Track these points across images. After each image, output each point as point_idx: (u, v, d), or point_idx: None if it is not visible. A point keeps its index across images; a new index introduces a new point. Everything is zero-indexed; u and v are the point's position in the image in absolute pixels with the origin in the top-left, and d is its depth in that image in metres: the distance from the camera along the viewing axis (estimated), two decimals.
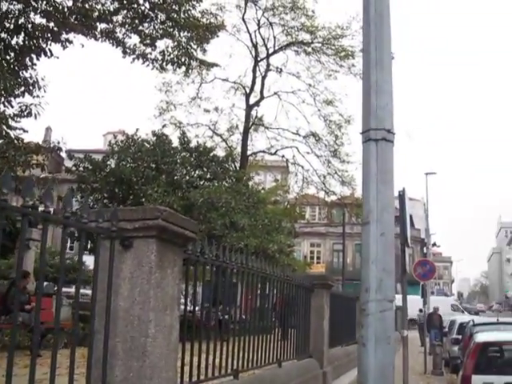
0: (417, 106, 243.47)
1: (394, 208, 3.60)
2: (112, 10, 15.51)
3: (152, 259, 3.70)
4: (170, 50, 17.33)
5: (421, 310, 26.29)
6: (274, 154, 29.80)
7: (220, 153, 24.03)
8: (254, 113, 28.97)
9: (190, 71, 24.35)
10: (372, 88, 3.72)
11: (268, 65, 29.29)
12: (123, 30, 16.31)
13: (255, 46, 28.93)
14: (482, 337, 8.41)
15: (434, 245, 67.46)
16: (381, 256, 3.35)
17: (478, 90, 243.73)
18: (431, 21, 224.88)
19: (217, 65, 26.42)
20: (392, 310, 3.38)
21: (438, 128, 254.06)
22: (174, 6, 16.07)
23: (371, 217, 3.41)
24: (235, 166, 23.58)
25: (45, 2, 13.31)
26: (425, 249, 55.50)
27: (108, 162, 18.49)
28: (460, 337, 16.62)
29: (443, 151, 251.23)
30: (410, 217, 51.75)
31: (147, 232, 3.70)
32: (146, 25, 16.42)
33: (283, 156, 30.07)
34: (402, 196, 7.46)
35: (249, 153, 28.82)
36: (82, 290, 3.74)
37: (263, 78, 29.25)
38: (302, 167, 29.43)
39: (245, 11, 27.98)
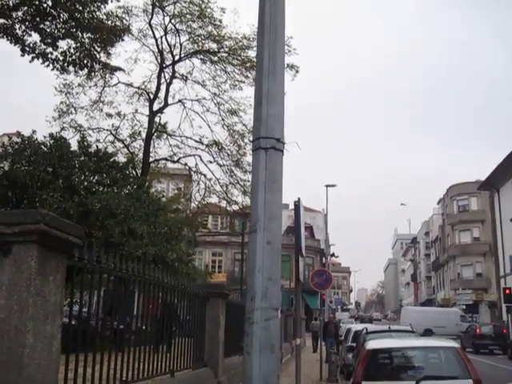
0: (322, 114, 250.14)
1: (281, 217, 3.62)
2: (11, 4, 14.94)
3: (32, 265, 3.53)
4: (72, 50, 16.88)
5: (316, 319, 26.84)
6: (177, 161, 29.52)
7: (121, 159, 23.56)
8: (157, 119, 28.62)
9: (92, 74, 23.79)
10: (264, 97, 3.75)
11: (173, 72, 29.04)
12: (23, 27, 15.75)
13: (161, 52, 28.63)
14: (372, 344, 8.63)
15: (333, 255, 69.30)
16: (267, 264, 3.36)
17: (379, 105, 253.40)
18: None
19: (121, 69, 25.96)
20: (277, 318, 3.40)
21: (343, 138, 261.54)
22: (77, 6, 15.68)
23: (258, 225, 3.42)
24: (136, 173, 23.14)
25: None
26: (324, 259, 56.93)
27: (1, 165, 17.68)
28: (354, 344, 17.10)
29: (343, 164, 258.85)
30: (311, 228, 52.96)
31: (27, 237, 3.53)
32: (47, 23, 15.92)
33: (186, 164, 29.85)
34: (297, 206, 7.56)
35: (151, 160, 28.37)
36: None
37: (168, 84, 28.97)
38: (205, 176, 29.31)
39: (152, 16, 27.63)
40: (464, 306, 55.76)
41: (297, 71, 27.72)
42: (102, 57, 19.54)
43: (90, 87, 27.57)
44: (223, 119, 29.30)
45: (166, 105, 28.73)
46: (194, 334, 8.32)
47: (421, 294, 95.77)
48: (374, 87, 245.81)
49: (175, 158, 29.23)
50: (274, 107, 3.72)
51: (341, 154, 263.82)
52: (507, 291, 35.70)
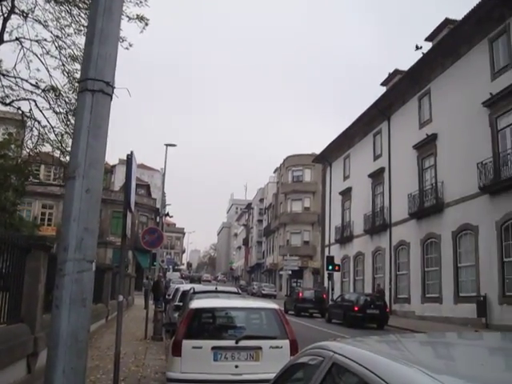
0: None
1: (104, 165, 3.40)
2: None
3: None
4: None
5: (147, 278, 26.71)
6: (9, 104, 27.40)
7: None
8: None
9: None
10: (96, 36, 3.47)
11: (12, 6, 26.79)
12: None
13: None
14: (196, 303, 8.67)
15: (168, 215, 69.31)
16: (84, 214, 3.14)
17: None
18: None
19: None
20: (91, 271, 3.20)
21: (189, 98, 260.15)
22: None
23: (78, 172, 3.17)
24: None
25: None
26: (158, 218, 56.71)
27: None
28: (181, 304, 17.23)
29: (188, 124, 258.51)
30: (148, 186, 52.19)
31: None
32: None
33: (19, 108, 27.86)
34: (129, 160, 7.27)
35: None
36: None
37: (5, 19, 26.68)
38: (39, 123, 27.60)
39: None
40: (290, 272, 58.57)
41: (146, 24, 26.85)
42: None
43: None
44: (64, 64, 27.53)
45: (2, 41, 26.53)
46: (9, 288, 7.81)
47: (251, 258, 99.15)
48: (234, 51, 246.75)
49: (7, 101, 27.17)
50: (106, 48, 3.45)
51: (187, 114, 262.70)
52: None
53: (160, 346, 15.79)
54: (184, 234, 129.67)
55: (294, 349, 7.99)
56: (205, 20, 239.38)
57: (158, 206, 59.55)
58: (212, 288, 16.22)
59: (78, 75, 27.62)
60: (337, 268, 39.66)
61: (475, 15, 26.43)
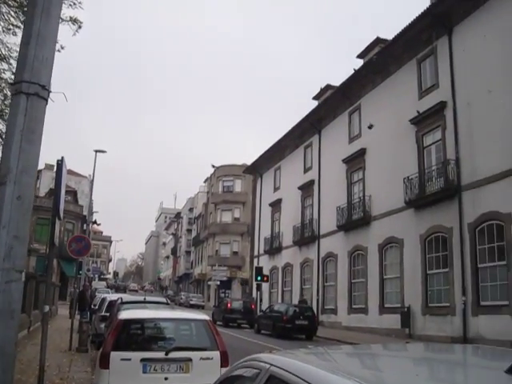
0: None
1: (37, 171, 3.28)
2: None
3: None
4: None
5: (74, 287, 26.04)
6: None
7: None
8: None
9: None
10: (33, 37, 3.36)
11: None
12: None
13: None
14: (124, 314, 8.51)
15: (95, 222, 67.86)
16: (14, 221, 3.01)
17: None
18: None
19: None
20: (21, 281, 3.07)
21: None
22: None
23: (9, 177, 3.04)
24: None
25: None
26: (85, 226, 55.42)
27: None
28: (108, 314, 16.85)
29: (119, 133, 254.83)
30: (75, 192, 50.73)
31: None
32: None
33: None
34: (59, 165, 7.05)
35: None
36: None
37: None
38: None
39: None
40: (218, 282, 58.40)
41: (79, 26, 26.29)
42: None
43: None
44: None
45: None
46: None
47: (179, 268, 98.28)
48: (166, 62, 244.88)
49: None
50: (43, 50, 3.34)
51: (120, 123, 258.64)
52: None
53: (85, 358, 15.38)
54: (111, 242, 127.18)
55: (224, 360, 7.96)
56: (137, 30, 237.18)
57: (85, 212, 58.23)
58: (140, 298, 15.94)
59: (5, 76, 26.84)
60: (265, 279, 39.85)
61: (405, 36, 27.30)
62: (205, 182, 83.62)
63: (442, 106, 24.77)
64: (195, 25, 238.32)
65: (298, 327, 26.99)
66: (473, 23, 23.57)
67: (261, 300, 40.05)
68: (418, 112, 26.15)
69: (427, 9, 25.46)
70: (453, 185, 23.48)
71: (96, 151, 43.12)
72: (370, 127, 26.55)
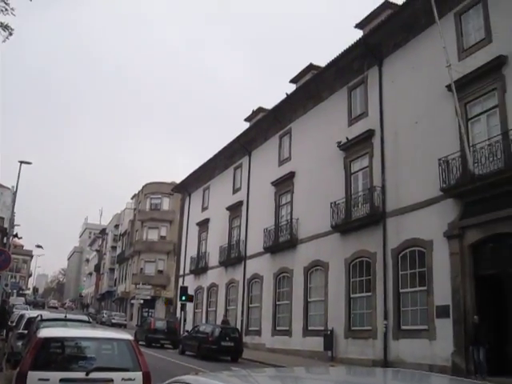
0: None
1: None
2: None
3: None
4: None
5: None
6: None
7: None
8: None
9: None
10: None
11: None
12: None
13: None
14: (44, 332, 8.24)
15: (16, 236, 65.55)
16: None
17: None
18: None
19: None
20: None
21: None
22: None
23: None
24: None
25: None
26: (5, 239, 53.45)
27: None
28: (26, 332, 16.24)
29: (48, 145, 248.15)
30: None
31: None
32: None
33: None
34: None
35: None
36: None
37: None
38: None
39: None
40: (142, 301, 57.51)
41: (10, 33, 25.61)
42: None
43: None
44: None
45: None
46: None
47: (102, 286, 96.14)
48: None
49: None
50: None
51: (48, 136, 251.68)
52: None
53: None
54: (32, 256, 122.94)
55: (146, 381, 7.83)
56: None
57: (6, 225, 56.16)
58: (61, 316, 15.47)
59: None
60: (190, 299, 39.53)
61: (337, 64, 28.04)
62: (132, 198, 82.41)
63: (370, 133, 25.49)
64: (132, 38, 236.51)
65: (224, 349, 26.77)
66: (402, 56, 24.48)
67: (185, 320, 39.68)
68: (346, 138, 26.78)
69: (360, 39, 26.30)
70: (378, 211, 24.10)
71: (20, 162, 41.77)
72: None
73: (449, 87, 19.74)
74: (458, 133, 19.87)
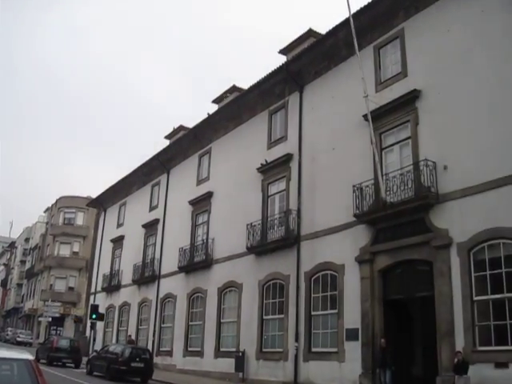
0: None
1: None
2: None
3: None
4: None
5: None
6: None
7: None
8: None
9: None
10: None
11: None
12: None
13: None
14: None
15: None
16: None
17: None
18: None
19: None
20: None
21: None
22: None
23: None
24: None
25: None
26: None
27: None
28: None
29: None
30: None
31: None
32: None
33: None
34: None
35: None
36: None
37: None
38: None
39: None
40: (50, 318, 55.56)
41: None
42: None
43: None
44: None
45: None
46: None
47: (8, 301, 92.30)
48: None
49: None
50: None
51: None
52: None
53: None
54: None
55: None
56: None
57: None
58: None
59: None
60: (101, 317, 38.59)
61: (260, 87, 28.44)
62: (45, 211, 79.94)
63: (288, 157, 25.92)
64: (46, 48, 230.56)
65: (134, 370, 26.00)
66: (322, 84, 25.13)
67: (94, 339, 38.64)
68: (265, 161, 27.11)
69: (283, 64, 26.82)
70: (293, 234, 24.44)
71: None
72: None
73: (365, 117, 20.38)
74: (372, 161, 20.54)
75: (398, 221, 19.32)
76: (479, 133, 17.46)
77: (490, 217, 16.44)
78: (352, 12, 21.06)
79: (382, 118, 20.82)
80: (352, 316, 20.55)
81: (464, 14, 19.01)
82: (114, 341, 40.15)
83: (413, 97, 19.89)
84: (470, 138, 17.69)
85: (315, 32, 28.12)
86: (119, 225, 46.05)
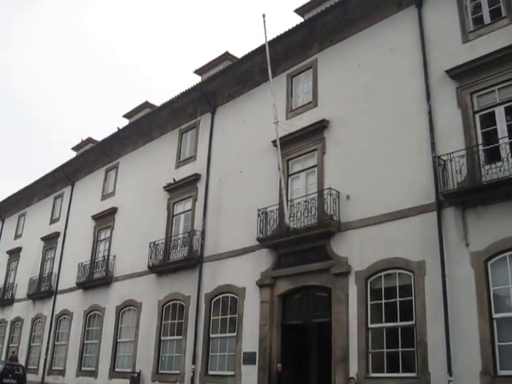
0: None
1: None
2: None
3: None
4: None
5: None
6: None
7: None
8: None
9: None
10: None
11: None
12: None
13: None
14: None
15: None
16: None
17: None
18: None
19: None
20: None
21: None
22: None
23: None
24: None
25: None
26: None
27: None
28: None
29: None
30: None
31: None
32: None
33: None
34: None
35: None
36: None
37: None
38: None
39: None
40: None
41: None
42: None
43: None
44: None
45: None
46: None
47: None
48: None
49: None
50: None
51: None
52: None
53: None
54: None
55: None
56: None
57: None
58: None
59: None
60: None
61: (172, 105, 28.31)
62: None
63: (195, 178, 25.84)
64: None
65: None
66: (235, 107, 25.36)
67: None
68: (174, 180, 26.90)
69: (197, 84, 26.86)
70: (196, 255, 24.27)
71: None
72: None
73: (274, 143, 20.65)
74: (278, 186, 20.84)
75: (301, 247, 19.61)
76: (381, 166, 18.09)
77: (388, 247, 17.02)
78: (268, 39, 21.49)
79: (290, 145, 21.20)
80: (250, 340, 20.58)
81: (375, 51, 19.80)
82: (3, 358, 38.16)
83: (321, 126, 20.38)
84: (373, 170, 18.30)
85: (231, 55, 28.42)
86: (17, 236, 44.07)
